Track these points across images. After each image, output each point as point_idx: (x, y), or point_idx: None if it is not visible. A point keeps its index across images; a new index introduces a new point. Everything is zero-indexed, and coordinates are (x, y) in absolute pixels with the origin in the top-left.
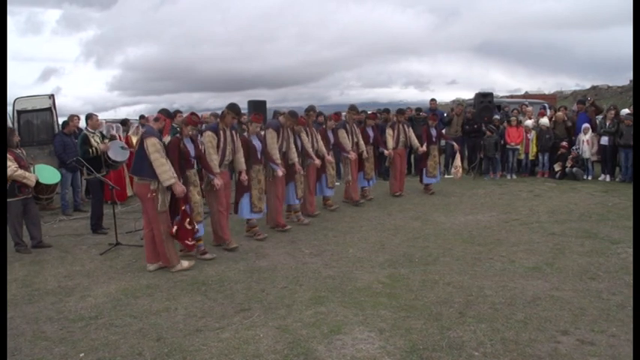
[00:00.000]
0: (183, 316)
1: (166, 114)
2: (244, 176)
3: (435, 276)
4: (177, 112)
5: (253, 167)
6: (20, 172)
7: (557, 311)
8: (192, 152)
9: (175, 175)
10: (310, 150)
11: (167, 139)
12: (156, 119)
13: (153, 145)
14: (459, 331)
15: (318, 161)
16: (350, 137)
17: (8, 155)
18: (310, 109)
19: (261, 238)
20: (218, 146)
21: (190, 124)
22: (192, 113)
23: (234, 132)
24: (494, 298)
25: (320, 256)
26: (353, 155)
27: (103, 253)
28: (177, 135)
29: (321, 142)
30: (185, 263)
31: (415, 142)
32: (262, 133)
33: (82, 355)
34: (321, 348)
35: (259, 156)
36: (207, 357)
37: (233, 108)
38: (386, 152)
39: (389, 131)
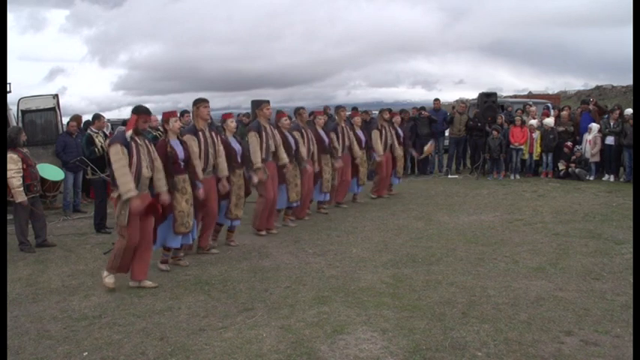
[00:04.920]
0: (187, 316)
1: (134, 109)
2: (225, 183)
3: (438, 276)
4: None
5: (234, 172)
6: (18, 184)
7: (561, 312)
8: (180, 155)
9: (134, 188)
10: (305, 154)
11: (129, 134)
12: (128, 121)
13: (114, 153)
14: (462, 332)
15: (310, 168)
16: (341, 141)
17: (17, 156)
18: (300, 109)
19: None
20: (199, 149)
21: (170, 117)
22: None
23: (213, 133)
24: (498, 298)
25: (323, 255)
26: (340, 164)
27: (106, 252)
28: (163, 137)
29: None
30: (110, 280)
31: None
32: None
33: (85, 353)
34: (324, 348)
35: (239, 159)
36: (211, 356)
37: (197, 99)
38: (378, 158)
39: (375, 134)
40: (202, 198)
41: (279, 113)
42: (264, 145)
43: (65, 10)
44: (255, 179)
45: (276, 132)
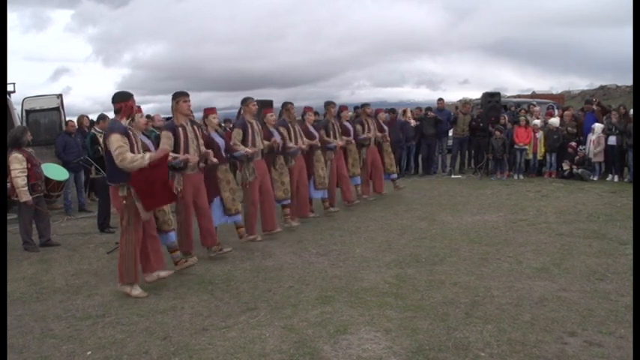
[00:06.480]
0: (190, 315)
1: (121, 97)
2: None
3: (441, 276)
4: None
5: (219, 167)
6: (22, 184)
7: (565, 312)
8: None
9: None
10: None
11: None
12: (117, 111)
13: (116, 140)
14: (466, 332)
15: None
16: (332, 137)
17: (22, 155)
18: (288, 104)
19: (224, 252)
20: (178, 145)
21: (137, 113)
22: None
23: (195, 127)
24: (501, 298)
25: (326, 255)
26: (339, 143)
27: (110, 251)
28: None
29: (305, 140)
30: (137, 291)
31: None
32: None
33: (89, 352)
34: (327, 348)
35: (224, 154)
36: (213, 356)
37: (176, 92)
38: (365, 135)
39: (358, 127)
40: (193, 160)
41: (265, 109)
42: (249, 142)
43: (70, 9)
44: (250, 151)
45: (261, 128)
